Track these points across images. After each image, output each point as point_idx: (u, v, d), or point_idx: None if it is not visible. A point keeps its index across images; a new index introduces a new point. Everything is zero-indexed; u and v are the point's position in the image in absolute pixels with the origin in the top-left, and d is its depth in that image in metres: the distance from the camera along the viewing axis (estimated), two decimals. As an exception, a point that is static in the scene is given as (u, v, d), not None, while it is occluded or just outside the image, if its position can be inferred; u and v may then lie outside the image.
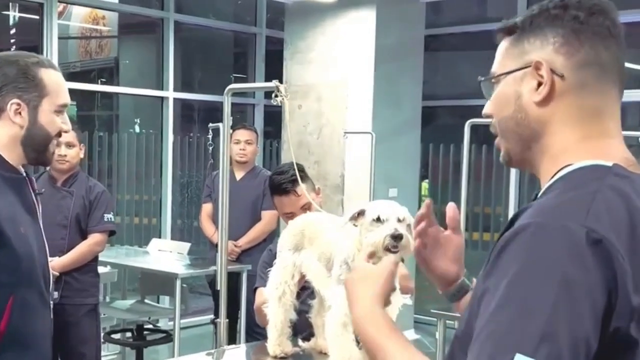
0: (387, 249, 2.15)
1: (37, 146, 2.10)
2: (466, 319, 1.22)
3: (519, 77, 1.25)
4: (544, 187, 1.23)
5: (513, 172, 6.87)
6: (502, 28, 1.31)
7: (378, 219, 2.16)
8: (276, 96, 2.82)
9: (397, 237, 2.11)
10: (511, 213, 6.87)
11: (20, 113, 2.05)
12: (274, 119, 7.86)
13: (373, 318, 1.43)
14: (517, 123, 1.26)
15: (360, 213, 2.22)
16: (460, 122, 7.53)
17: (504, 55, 1.30)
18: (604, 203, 1.10)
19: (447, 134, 7.68)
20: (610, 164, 1.17)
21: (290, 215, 2.91)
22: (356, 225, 2.25)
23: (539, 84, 1.22)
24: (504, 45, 1.31)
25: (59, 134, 2.14)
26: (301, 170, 2.94)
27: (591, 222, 1.06)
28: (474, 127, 4.11)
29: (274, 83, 2.84)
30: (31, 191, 2.16)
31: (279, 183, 3.01)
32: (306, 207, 2.88)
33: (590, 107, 1.22)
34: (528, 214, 1.13)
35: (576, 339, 1.01)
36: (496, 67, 1.31)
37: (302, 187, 2.80)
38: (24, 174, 2.16)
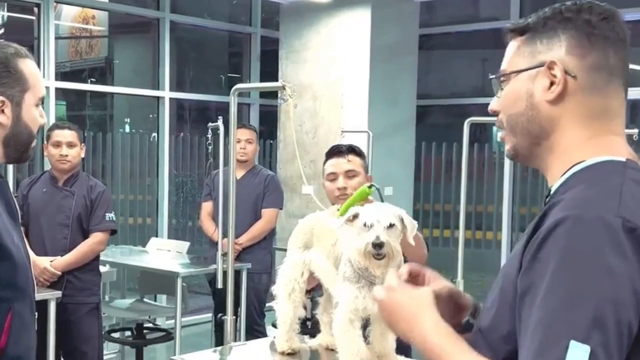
0: (372, 256, 2.17)
1: (20, 145, 1.91)
2: (493, 314, 1.25)
3: (532, 75, 1.30)
4: (558, 183, 1.27)
5: (507, 171, 6.92)
6: (514, 28, 1.35)
7: (365, 225, 2.20)
8: (284, 96, 2.85)
9: (377, 245, 2.13)
10: (505, 211, 6.94)
11: (3, 111, 1.85)
12: (269, 119, 7.89)
13: (441, 329, 1.33)
14: (528, 120, 1.31)
15: (355, 216, 2.26)
16: (453, 121, 7.61)
17: (515, 54, 1.34)
18: (630, 195, 1.15)
19: (440, 133, 7.74)
20: (623, 159, 1.23)
21: (333, 178, 3.01)
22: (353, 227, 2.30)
23: (552, 83, 1.27)
24: (514, 44, 1.35)
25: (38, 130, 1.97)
26: (359, 150, 3.11)
27: (624, 212, 1.11)
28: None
29: (280, 83, 2.87)
30: (11, 194, 1.97)
31: (336, 145, 3.15)
32: (351, 175, 2.99)
33: (598, 107, 1.27)
34: (560, 207, 1.16)
35: (621, 325, 1.06)
36: (506, 65, 1.36)
37: (357, 161, 2.99)
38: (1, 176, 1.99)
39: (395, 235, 2.20)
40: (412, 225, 2.27)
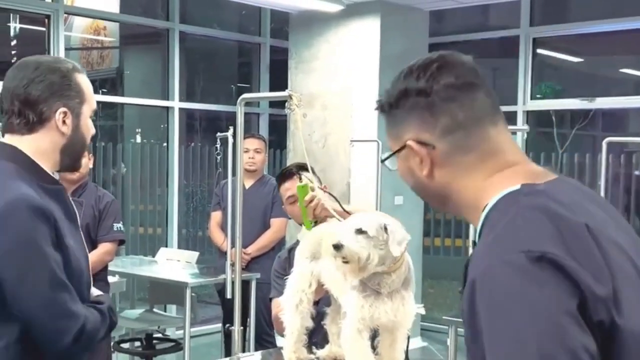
0: (339, 259, 2.23)
1: (76, 154, 2.06)
2: None
3: (405, 155, 1.31)
4: (477, 232, 1.26)
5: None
6: (376, 108, 1.37)
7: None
8: (291, 106, 2.85)
9: (335, 247, 2.20)
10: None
11: (65, 121, 1.99)
12: (278, 128, 7.89)
13: None
14: (421, 191, 1.34)
15: None
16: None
17: (387, 135, 1.36)
18: (525, 223, 1.13)
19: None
20: (518, 186, 1.20)
21: (292, 199, 3.09)
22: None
23: (421, 160, 1.28)
24: (385, 123, 1.36)
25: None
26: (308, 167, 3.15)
27: (524, 245, 1.09)
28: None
29: (287, 92, 2.87)
30: (70, 200, 2.08)
31: (285, 168, 3.27)
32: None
33: (476, 157, 1.26)
34: (472, 265, 1.15)
35: (574, 351, 1.03)
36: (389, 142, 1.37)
37: (309, 176, 2.96)
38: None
39: (368, 242, 2.20)
40: (400, 236, 2.26)
